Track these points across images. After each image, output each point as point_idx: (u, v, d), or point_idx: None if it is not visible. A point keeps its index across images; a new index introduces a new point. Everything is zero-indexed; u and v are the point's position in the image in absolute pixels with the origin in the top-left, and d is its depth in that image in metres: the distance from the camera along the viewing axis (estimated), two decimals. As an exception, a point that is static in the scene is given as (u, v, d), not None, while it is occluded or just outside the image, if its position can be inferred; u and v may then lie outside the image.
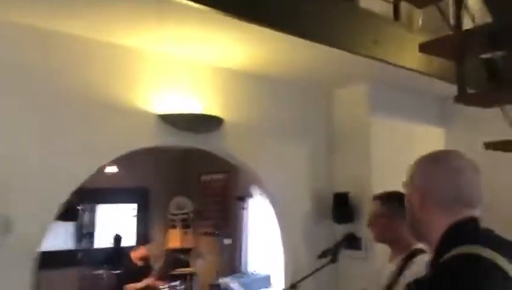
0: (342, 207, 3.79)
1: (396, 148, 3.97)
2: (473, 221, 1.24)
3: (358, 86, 3.97)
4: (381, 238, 2.23)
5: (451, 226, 1.22)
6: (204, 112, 3.32)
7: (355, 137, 3.98)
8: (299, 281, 2.64)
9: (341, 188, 3.93)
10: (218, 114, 3.41)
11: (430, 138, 4.33)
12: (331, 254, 2.73)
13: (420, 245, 2.00)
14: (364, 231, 3.62)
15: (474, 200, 1.26)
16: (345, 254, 3.92)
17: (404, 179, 1.39)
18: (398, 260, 2.10)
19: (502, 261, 1.09)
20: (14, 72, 2.68)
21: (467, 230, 1.21)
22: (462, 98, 2.34)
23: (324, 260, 2.78)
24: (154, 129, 3.13)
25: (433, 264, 1.21)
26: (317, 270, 2.72)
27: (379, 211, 2.21)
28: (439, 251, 1.21)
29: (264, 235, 5.82)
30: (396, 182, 1.63)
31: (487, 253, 1.10)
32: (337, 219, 3.82)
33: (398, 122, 4.10)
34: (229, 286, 2.80)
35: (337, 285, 3.94)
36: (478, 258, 1.10)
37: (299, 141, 4.03)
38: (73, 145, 2.84)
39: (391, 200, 2.15)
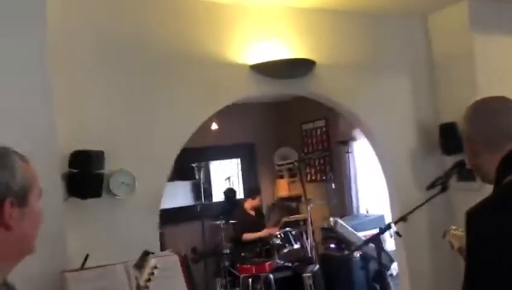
0: (449, 138, 3.60)
1: (507, 69, 3.63)
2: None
3: (455, 4, 3.64)
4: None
5: (501, 161, 1.33)
6: (294, 57, 3.31)
7: (458, 61, 3.69)
8: (409, 213, 2.61)
9: (447, 118, 3.71)
10: (310, 57, 3.39)
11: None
12: (441, 183, 2.64)
13: None
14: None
15: None
16: (457, 187, 3.77)
17: None
18: None
19: None
20: (117, 38, 2.88)
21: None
22: None
23: (434, 191, 2.70)
24: (247, 80, 3.22)
25: None
26: (428, 200, 2.66)
27: None
28: (495, 183, 1.33)
29: (373, 176, 5.76)
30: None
31: None
32: (446, 151, 3.64)
33: (507, 39, 3.71)
34: (336, 225, 2.86)
35: (450, 219, 3.80)
36: None
37: (397, 75, 3.86)
38: (174, 105, 3.02)
39: None
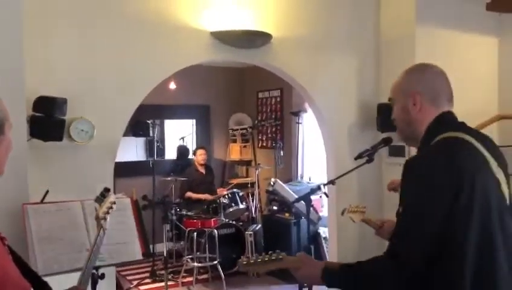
0: (385, 116, 4.00)
1: (444, 59, 4.01)
2: (450, 114, 1.61)
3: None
4: None
5: (435, 119, 1.58)
6: (253, 28, 3.56)
7: (401, 47, 4.07)
8: (337, 178, 2.99)
9: (385, 99, 4.11)
10: (268, 30, 3.65)
11: (482, 49, 4.31)
12: (367, 155, 3.02)
13: None
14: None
15: (451, 96, 1.62)
16: (388, 161, 4.22)
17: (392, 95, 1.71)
18: None
19: (470, 139, 1.53)
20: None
21: (447, 121, 1.59)
22: (495, 4, 2.43)
23: (362, 161, 3.08)
24: (207, 45, 3.45)
25: (420, 148, 1.60)
26: (354, 168, 3.04)
27: None
28: (426, 139, 1.58)
29: (318, 147, 6.18)
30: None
31: (462, 135, 1.53)
32: (381, 127, 4.05)
33: (447, 31, 4.10)
34: (275, 184, 3.20)
35: (380, 188, 4.25)
36: (457, 138, 1.53)
37: (346, 54, 4.19)
38: (136, 62, 3.23)
39: None
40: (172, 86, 7.00)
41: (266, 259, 1.65)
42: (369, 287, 1.60)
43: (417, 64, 1.71)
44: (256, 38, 3.55)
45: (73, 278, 1.97)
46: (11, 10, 2.51)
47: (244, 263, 1.65)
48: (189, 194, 6.48)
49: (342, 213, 3.12)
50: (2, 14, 2.48)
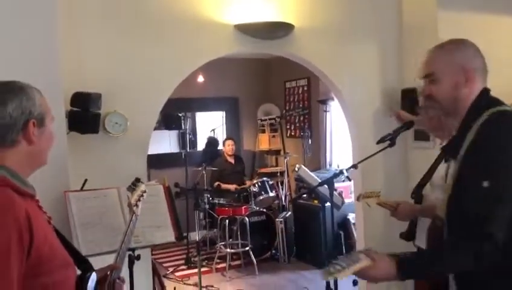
0: (409, 102, 4.03)
1: (468, 42, 4.01)
2: (489, 90, 1.65)
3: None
4: None
5: (480, 94, 1.61)
6: (275, 20, 3.66)
7: (424, 33, 4.07)
8: (359, 162, 3.07)
9: (409, 84, 4.13)
10: (289, 20, 3.74)
11: (507, 30, 4.25)
12: (389, 139, 3.08)
13: None
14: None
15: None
16: (413, 145, 4.26)
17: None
18: None
19: None
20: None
21: (490, 97, 1.64)
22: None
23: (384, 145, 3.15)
24: (231, 38, 3.58)
25: (464, 123, 1.60)
26: (376, 153, 3.11)
27: None
28: (471, 114, 1.58)
29: (346, 135, 6.24)
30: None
31: (509, 108, 1.59)
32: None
33: (470, 14, 4.07)
34: (300, 169, 3.30)
35: (405, 172, 4.29)
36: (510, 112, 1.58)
37: (368, 40, 4.22)
38: (164, 57, 3.38)
39: None
40: (200, 79, 7.19)
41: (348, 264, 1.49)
42: (456, 270, 1.55)
43: (457, 40, 1.67)
44: (278, 30, 3.65)
45: (111, 259, 2.15)
46: (48, 10, 2.70)
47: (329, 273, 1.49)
48: (217, 183, 6.69)
49: (358, 199, 3.20)
50: (38, 15, 2.68)
